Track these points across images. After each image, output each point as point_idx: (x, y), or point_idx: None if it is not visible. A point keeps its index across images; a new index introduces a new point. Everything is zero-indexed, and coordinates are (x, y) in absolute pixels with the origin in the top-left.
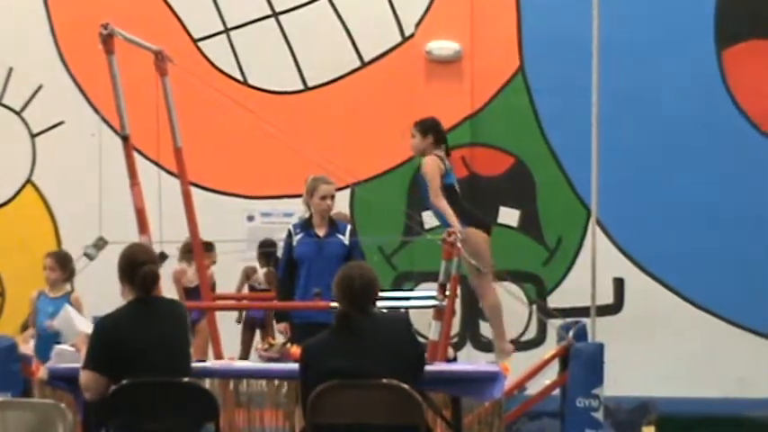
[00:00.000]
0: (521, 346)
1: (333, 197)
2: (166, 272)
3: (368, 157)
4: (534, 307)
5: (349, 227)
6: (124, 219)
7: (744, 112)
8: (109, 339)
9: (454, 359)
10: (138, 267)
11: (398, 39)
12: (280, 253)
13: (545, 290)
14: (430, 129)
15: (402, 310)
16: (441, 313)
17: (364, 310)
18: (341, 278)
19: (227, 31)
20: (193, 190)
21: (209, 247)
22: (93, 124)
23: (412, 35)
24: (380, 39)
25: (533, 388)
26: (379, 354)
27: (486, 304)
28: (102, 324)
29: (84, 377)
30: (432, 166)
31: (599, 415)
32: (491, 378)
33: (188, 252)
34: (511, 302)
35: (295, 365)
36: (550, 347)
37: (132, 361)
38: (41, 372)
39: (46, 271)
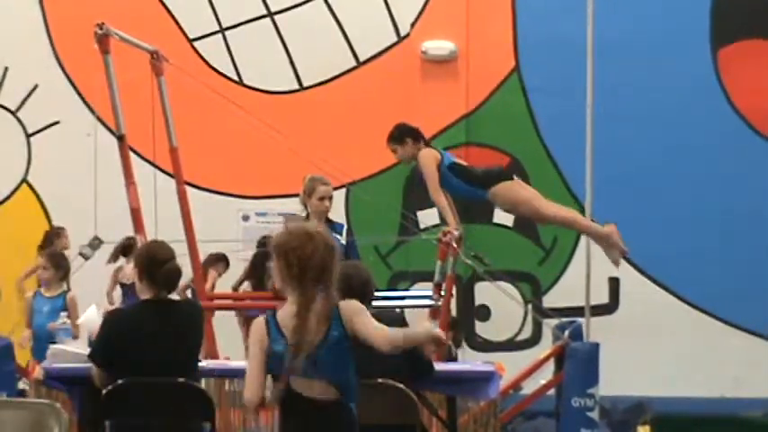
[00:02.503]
0: (516, 345)
1: (331, 198)
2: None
3: (363, 156)
4: (530, 306)
5: (345, 226)
6: (119, 219)
7: (739, 111)
8: (114, 336)
9: (455, 358)
10: (161, 265)
11: (394, 38)
12: None
13: (540, 289)
14: (403, 134)
15: (397, 309)
16: (436, 313)
17: None
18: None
19: (222, 30)
20: (189, 190)
21: (222, 257)
22: (89, 124)
23: (407, 35)
24: (376, 38)
25: (529, 387)
26: (375, 353)
27: (561, 213)
28: (110, 319)
29: (92, 369)
30: (426, 161)
31: (594, 414)
32: (486, 378)
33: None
34: (506, 302)
35: None
36: (546, 347)
37: (135, 360)
38: (37, 371)
39: (39, 270)
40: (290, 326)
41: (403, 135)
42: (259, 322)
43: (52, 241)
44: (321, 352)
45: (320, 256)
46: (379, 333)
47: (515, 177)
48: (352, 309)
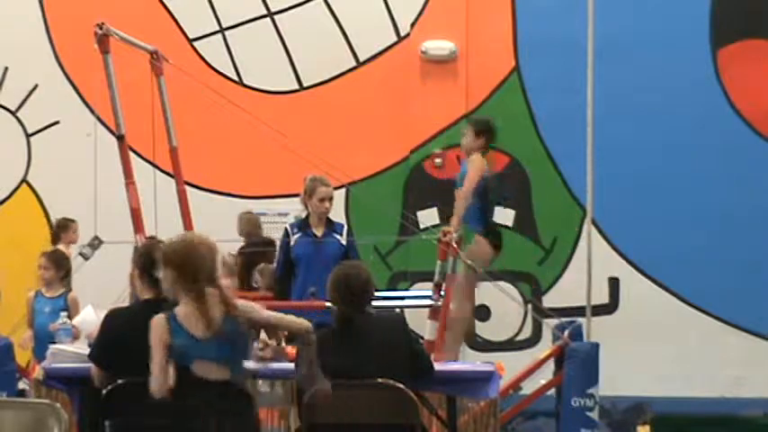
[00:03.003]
0: (516, 345)
1: (331, 199)
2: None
3: (363, 156)
4: (529, 306)
5: (345, 226)
6: (119, 219)
7: (738, 111)
8: (114, 335)
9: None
10: None
11: (394, 38)
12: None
13: (540, 289)
14: (484, 131)
15: (397, 309)
16: (436, 313)
17: (361, 309)
18: (337, 278)
19: (222, 30)
20: (188, 189)
21: None
22: (89, 124)
23: (407, 35)
24: (376, 38)
25: (529, 388)
26: (375, 353)
27: (456, 313)
28: (110, 318)
29: (92, 369)
30: (477, 165)
31: (594, 414)
32: (486, 378)
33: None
34: (506, 302)
35: (291, 365)
36: (546, 347)
37: (135, 360)
38: (37, 371)
39: (41, 270)
40: (192, 323)
41: (483, 132)
42: (159, 320)
43: (59, 235)
44: (224, 339)
45: (209, 262)
46: (284, 317)
47: (498, 252)
48: (246, 306)
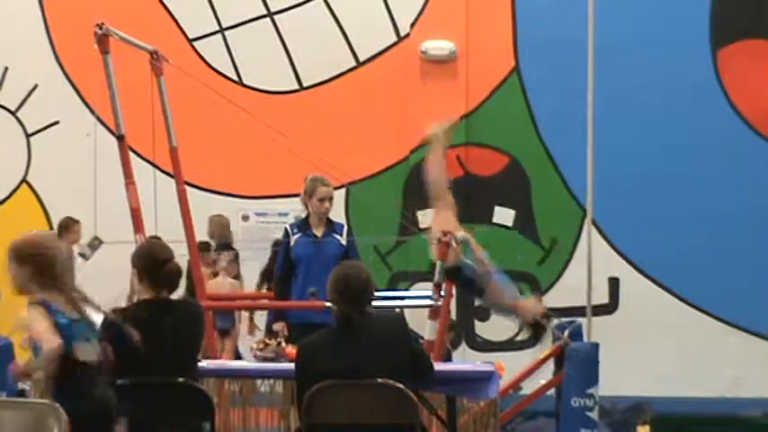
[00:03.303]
0: (516, 345)
1: (331, 199)
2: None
3: (363, 156)
4: None
5: (345, 226)
6: (119, 218)
7: (739, 111)
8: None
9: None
10: (162, 265)
11: (393, 38)
12: None
13: (540, 289)
14: (537, 327)
15: (397, 309)
16: (436, 313)
17: (361, 309)
18: (337, 278)
19: (222, 30)
20: (188, 190)
21: (206, 246)
22: (89, 124)
23: (407, 35)
24: (375, 38)
25: (529, 387)
26: (376, 353)
27: None
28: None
29: None
30: (527, 309)
31: (594, 414)
32: (486, 378)
33: None
34: None
35: (290, 365)
36: (545, 347)
37: (135, 360)
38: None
39: None
40: (63, 307)
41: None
42: (33, 308)
43: (61, 235)
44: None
45: (63, 258)
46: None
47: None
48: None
